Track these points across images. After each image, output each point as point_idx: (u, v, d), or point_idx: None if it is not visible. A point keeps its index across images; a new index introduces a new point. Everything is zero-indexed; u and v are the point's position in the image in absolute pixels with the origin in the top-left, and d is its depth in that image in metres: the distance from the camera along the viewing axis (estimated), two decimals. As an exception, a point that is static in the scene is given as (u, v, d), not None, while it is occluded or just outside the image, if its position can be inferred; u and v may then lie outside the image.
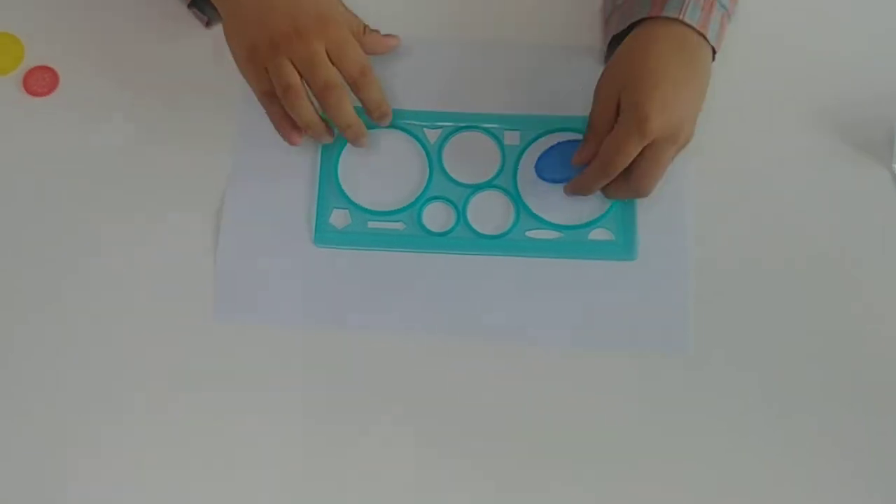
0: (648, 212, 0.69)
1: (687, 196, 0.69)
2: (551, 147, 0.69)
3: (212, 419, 0.66)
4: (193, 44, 0.73)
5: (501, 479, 0.64)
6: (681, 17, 0.63)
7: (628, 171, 0.64)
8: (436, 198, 0.69)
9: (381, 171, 0.70)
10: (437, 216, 0.69)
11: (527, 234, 0.69)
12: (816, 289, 0.68)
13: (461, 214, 0.69)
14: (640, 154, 0.62)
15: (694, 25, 0.63)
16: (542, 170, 0.69)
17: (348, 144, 0.70)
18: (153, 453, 0.65)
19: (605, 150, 0.63)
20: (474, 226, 0.69)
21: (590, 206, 0.69)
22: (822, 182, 0.70)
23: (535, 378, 0.66)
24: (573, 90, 0.71)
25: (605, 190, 0.67)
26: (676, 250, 0.68)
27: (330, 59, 0.64)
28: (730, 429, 0.65)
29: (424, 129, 0.71)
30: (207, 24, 0.73)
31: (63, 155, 0.71)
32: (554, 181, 0.69)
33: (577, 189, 0.67)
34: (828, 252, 0.69)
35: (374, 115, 0.67)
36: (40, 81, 0.72)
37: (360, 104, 0.66)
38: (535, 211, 0.69)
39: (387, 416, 0.66)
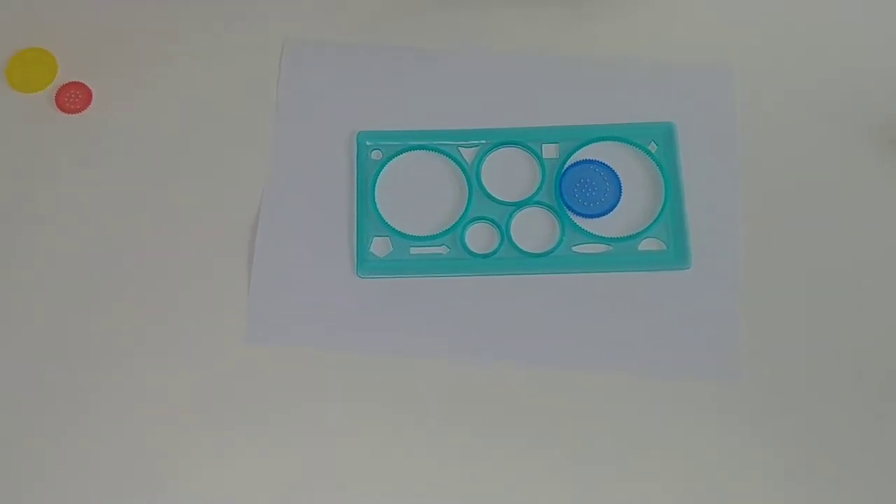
0: (699, 218, 0.66)
1: (737, 200, 0.67)
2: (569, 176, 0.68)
3: (239, 443, 0.64)
4: (227, 65, 0.72)
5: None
6: None
7: None
8: (478, 218, 0.67)
9: (419, 194, 0.68)
10: (480, 237, 0.67)
11: (574, 249, 0.66)
12: (867, 309, 0.65)
13: (505, 234, 0.67)
14: None
15: None
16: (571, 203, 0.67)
17: (384, 169, 0.68)
18: (176, 477, 0.63)
19: None
20: (519, 245, 0.66)
21: (638, 215, 0.67)
22: (876, 194, 0.68)
23: (591, 404, 0.64)
24: (609, 99, 0.69)
25: None
26: (730, 259, 0.66)
27: None
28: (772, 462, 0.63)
29: (459, 147, 0.69)
30: None
31: (95, 172, 0.69)
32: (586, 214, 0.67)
33: None
34: (876, 267, 0.66)
35: None
36: (73, 98, 0.70)
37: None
38: (580, 225, 0.67)
39: (434, 443, 0.63)
